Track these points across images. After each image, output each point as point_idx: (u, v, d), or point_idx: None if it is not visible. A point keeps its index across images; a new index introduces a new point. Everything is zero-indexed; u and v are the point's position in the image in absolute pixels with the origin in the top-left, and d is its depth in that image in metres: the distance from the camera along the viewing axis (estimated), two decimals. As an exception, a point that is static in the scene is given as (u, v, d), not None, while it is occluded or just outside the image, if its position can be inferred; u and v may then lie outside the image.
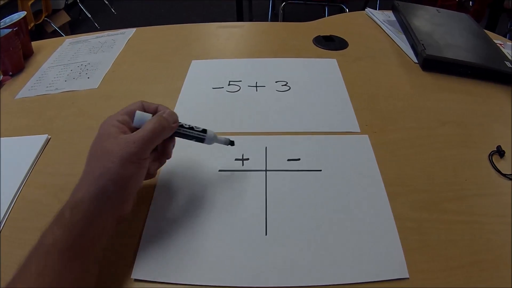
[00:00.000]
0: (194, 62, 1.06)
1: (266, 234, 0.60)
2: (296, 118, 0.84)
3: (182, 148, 0.72)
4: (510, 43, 1.16)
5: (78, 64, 1.12)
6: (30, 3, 3.34)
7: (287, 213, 0.63)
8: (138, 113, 0.59)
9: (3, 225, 0.65)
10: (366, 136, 0.78)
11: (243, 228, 0.61)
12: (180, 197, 0.67)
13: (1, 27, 1.08)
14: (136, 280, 0.55)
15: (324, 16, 1.48)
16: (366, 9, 1.39)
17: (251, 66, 1.05)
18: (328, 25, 1.30)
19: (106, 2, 4.99)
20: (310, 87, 0.94)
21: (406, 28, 1.16)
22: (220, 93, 0.93)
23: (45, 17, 3.75)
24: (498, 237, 0.60)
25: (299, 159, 0.73)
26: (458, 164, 0.73)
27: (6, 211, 0.66)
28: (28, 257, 0.48)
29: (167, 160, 0.66)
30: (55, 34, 3.85)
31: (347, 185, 0.68)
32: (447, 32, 1.13)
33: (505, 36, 1.33)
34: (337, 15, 1.43)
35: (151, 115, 0.60)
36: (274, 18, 4.25)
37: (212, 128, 0.71)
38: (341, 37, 1.19)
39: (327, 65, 1.04)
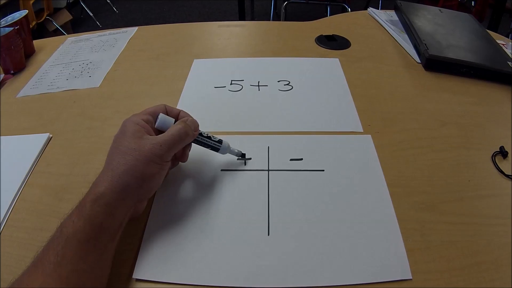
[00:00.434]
0: (196, 61, 1.06)
1: (268, 234, 0.60)
2: (298, 118, 0.84)
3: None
4: (512, 43, 1.16)
5: (80, 63, 1.11)
6: (31, 1, 3.34)
7: (290, 213, 0.63)
8: (162, 116, 0.62)
9: (4, 225, 0.64)
10: (369, 136, 0.78)
11: (245, 228, 0.61)
12: (182, 196, 0.67)
13: (3, 25, 1.07)
14: (137, 280, 0.55)
15: (326, 16, 1.48)
16: (368, 9, 1.39)
17: (253, 65, 1.04)
18: (330, 24, 1.30)
19: (108, 1, 5.01)
20: (312, 87, 0.94)
21: (409, 28, 1.16)
22: (222, 92, 0.93)
23: (47, 15, 3.75)
24: (500, 238, 0.60)
25: (301, 159, 0.73)
26: (459, 165, 0.73)
27: (7, 211, 0.66)
28: (46, 247, 0.49)
29: None
30: (56, 32, 3.85)
31: (350, 185, 0.68)
32: (450, 32, 1.13)
33: (507, 37, 1.33)
34: (339, 14, 1.43)
35: (173, 119, 0.63)
36: (276, 18, 4.25)
37: (214, 127, 0.72)
38: (344, 36, 1.19)
39: (330, 65, 1.03)
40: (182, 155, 0.66)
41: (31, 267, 0.48)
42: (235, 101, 0.89)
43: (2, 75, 1.06)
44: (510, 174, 0.70)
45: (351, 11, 3.22)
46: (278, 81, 0.96)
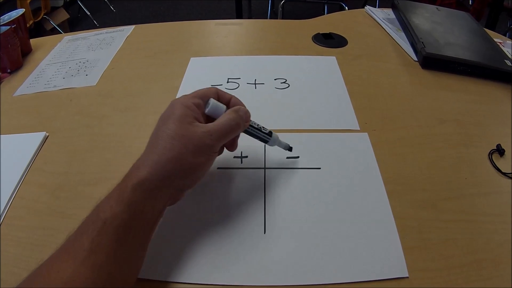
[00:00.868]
0: (192, 59, 1.06)
1: (264, 233, 0.60)
2: (295, 116, 0.84)
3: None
4: (510, 42, 1.16)
5: (77, 62, 1.11)
6: (29, 0, 3.34)
7: (286, 211, 0.63)
8: (214, 102, 0.59)
9: (1, 223, 0.64)
10: (366, 134, 0.78)
11: (242, 226, 0.61)
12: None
13: (0, 24, 1.07)
14: (138, 278, 0.55)
15: (324, 14, 1.47)
16: (365, 7, 1.39)
17: (250, 63, 1.04)
18: (328, 22, 1.29)
19: (106, 0, 5.00)
20: (309, 85, 0.94)
21: (406, 26, 1.16)
22: (219, 90, 0.92)
23: (44, 14, 3.75)
24: (497, 236, 0.60)
25: (298, 157, 0.73)
26: (457, 162, 0.73)
27: (4, 209, 0.66)
28: (79, 231, 0.47)
29: None
30: (54, 32, 3.85)
31: (347, 183, 0.68)
32: (447, 30, 1.13)
33: (505, 35, 1.33)
34: (336, 12, 1.43)
35: (225, 106, 0.60)
36: (273, 17, 4.25)
37: None
38: (341, 34, 1.19)
39: (327, 63, 1.03)
40: (231, 144, 0.63)
41: (61, 252, 0.46)
42: (232, 99, 0.89)
43: (-1, 74, 1.06)
44: (508, 172, 0.70)
45: (348, 9, 3.22)
46: (275, 79, 0.96)
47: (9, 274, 0.52)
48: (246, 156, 0.73)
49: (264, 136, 0.66)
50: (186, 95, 0.59)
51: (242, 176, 0.69)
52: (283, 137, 0.74)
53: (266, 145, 0.70)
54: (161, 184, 0.50)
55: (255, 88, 0.93)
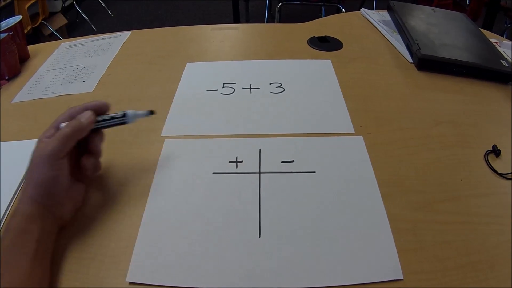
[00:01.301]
0: (188, 64, 1.07)
1: (259, 237, 0.60)
2: (290, 120, 0.84)
3: (176, 151, 0.73)
4: (506, 42, 1.16)
5: (74, 68, 1.12)
6: (27, 6, 3.34)
7: (281, 215, 0.63)
8: (62, 126, 0.61)
9: (2, 227, 0.64)
10: (361, 137, 0.78)
11: (237, 231, 0.61)
12: (174, 199, 0.67)
13: (-3, 31, 1.08)
14: (131, 283, 0.55)
15: (321, 17, 1.48)
16: (361, 10, 1.40)
17: (245, 68, 1.05)
18: (323, 26, 1.30)
19: (103, 4, 5.01)
20: (304, 89, 0.94)
21: (401, 28, 1.16)
22: (215, 95, 0.93)
23: (42, 20, 3.75)
24: (493, 237, 0.60)
25: (293, 161, 0.73)
26: (453, 164, 0.73)
27: (3, 216, 0.66)
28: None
29: (162, 163, 0.72)
30: (52, 37, 3.85)
31: (341, 186, 0.68)
32: (443, 31, 1.13)
33: (502, 35, 1.34)
34: (331, 15, 1.43)
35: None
36: (271, 19, 4.26)
37: (206, 130, 0.72)
38: (336, 37, 1.19)
39: (322, 66, 1.04)
40: (92, 146, 0.65)
41: None
42: (227, 104, 0.90)
43: (-3, 81, 1.07)
44: (503, 173, 0.71)
45: (345, 11, 3.22)
46: (270, 84, 0.96)
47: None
48: (241, 161, 0.73)
49: (120, 120, 0.67)
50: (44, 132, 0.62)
51: (237, 181, 0.70)
52: (278, 142, 0.74)
53: (260, 149, 0.70)
54: (26, 209, 0.56)
55: (251, 92, 0.93)
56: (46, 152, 0.56)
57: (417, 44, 1.03)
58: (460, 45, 1.06)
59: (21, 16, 1.16)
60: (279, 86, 0.95)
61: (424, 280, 0.55)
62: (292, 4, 3.58)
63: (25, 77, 1.10)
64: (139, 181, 0.71)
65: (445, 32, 1.13)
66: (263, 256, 0.58)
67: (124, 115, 0.67)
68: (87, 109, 0.64)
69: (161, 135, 0.81)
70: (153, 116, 0.67)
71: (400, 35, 1.18)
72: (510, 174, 0.70)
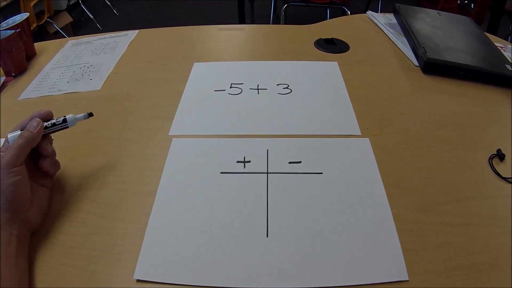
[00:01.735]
0: (196, 64, 1.07)
1: (267, 236, 0.61)
2: (297, 121, 0.84)
3: (183, 150, 0.74)
4: (511, 46, 1.17)
5: (81, 66, 1.12)
6: (32, 4, 3.35)
7: (288, 215, 0.64)
8: (9, 137, 0.64)
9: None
10: (367, 139, 0.79)
11: (245, 230, 0.62)
12: (182, 198, 0.67)
13: (4, 28, 1.08)
14: (138, 280, 0.56)
15: (326, 18, 1.49)
16: (367, 12, 1.40)
17: (252, 68, 1.05)
18: (329, 28, 1.30)
19: (108, 3, 5.01)
20: (311, 90, 0.95)
21: (407, 31, 1.16)
22: (222, 95, 0.93)
23: (48, 18, 3.76)
24: (496, 239, 0.61)
25: (300, 162, 0.73)
26: (457, 167, 0.73)
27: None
28: None
29: (170, 161, 0.74)
30: (57, 35, 3.86)
31: (348, 188, 0.68)
32: (448, 35, 1.13)
33: (506, 39, 1.34)
34: (338, 18, 1.43)
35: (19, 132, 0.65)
36: (276, 20, 4.26)
37: (213, 130, 0.73)
38: (342, 40, 1.20)
39: (328, 68, 1.04)
40: (41, 149, 0.67)
41: None
42: (235, 104, 0.90)
43: (4, 78, 1.07)
44: (507, 177, 0.71)
45: (350, 13, 3.23)
46: (277, 85, 0.96)
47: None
48: (249, 161, 0.74)
49: (61, 126, 0.70)
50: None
51: (245, 181, 0.70)
52: (285, 143, 0.75)
53: (268, 150, 0.71)
54: None
55: (258, 93, 0.94)
56: (3, 164, 0.59)
57: (423, 47, 1.03)
58: (465, 49, 1.06)
59: (28, 14, 1.16)
60: (287, 87, 0.95)
61: (428, 281, 0.55)
62: (298, 6, 3.58)
63: (31, 74, 1.10)
64: (147, 179, 0.72)
65: (451, 35, 1.13)
66: (270, 256, 0.58)
67: (64, 121, 0.70)
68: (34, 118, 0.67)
69: (169, 134, 0.82)
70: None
71: (406, 38, 1.18)
72: (513, 178, 0.71)
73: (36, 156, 0.67)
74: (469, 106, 0.90)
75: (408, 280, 0.55)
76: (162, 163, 0.74)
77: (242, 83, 0.98)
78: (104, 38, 1.30)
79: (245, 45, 1.22)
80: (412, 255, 0.58)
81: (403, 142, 0.79)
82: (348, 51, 1.14)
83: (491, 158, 0.75)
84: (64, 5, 4.27)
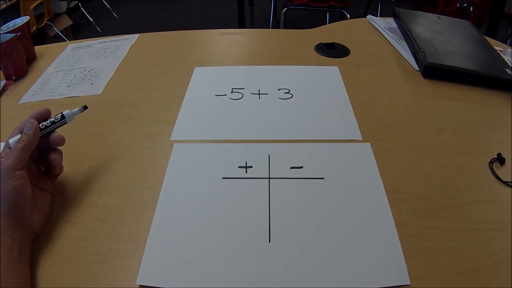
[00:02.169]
0: (197, 69, 1.07)
1: (269, 241, 0.61)
2: (298, 126, 0.84)
3: (185, 155, 0.74)
4: (510, 50, 1.17)
5: (81, 70, 1.12)
6: (32, 6, 3.36)
7: (290, 220, 0.64)
8: (10, 142, 0.63)
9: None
10: (368, 144, 0.79)
11: (247, 235, 0.62)
12: (184, 204, 0.67)
13: (4, 31, 1.08)
14: (141, 286, 0.56)
15: (325, 22, 1.49)
16: (367, 16, 1.40)
17: (253, 73, 1.05)
18: (330, 32, 1.30)
19: (108, 6, 5.01)
20: (312, 95, 0.95)
21: (407, 35, 1.17)
22: (223, 100, 0.93)
23: (47, 20, 3.76)
24: (497, 244, 0.61)
25: (302, 167, 0.74)
26: (458, 171, 0.74)
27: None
28: None
29: (172, 167, 0.74)
30: (57, 37, 3.86)
31: (350, 193, 0.69)
32: (448, 39, 1.14)
33: (505, 42, 1.35)
34: (338, 22, 1.43)
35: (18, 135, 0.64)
36: (276, 24, 4.26)
37: (215, 135, 0.75)
38: (343, 44, 1.20)
39: (329, 73, 1.04)
40: (48, 144, 0.68)
41: None
42: (236, 109, 0.90)
43: (4, 81, 1.07)
44: (508, 181, 0.71)
45: (350, 17, 3.23)
46: (279, 89, 0.97)
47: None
48: (251, 166, 0.74)
49: (60, 123, 0.70)
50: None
51: (247, 186, 0.70)
52: (287, 148, 0.75)
53: (269, 155, 0.71)
54: None
55: (259, 98, 0.94)
56: (4, 168, 0.59)
57: (423, 52, 1.04)
58: (465, 53, 1.07)
59: (29, 17, 1.16)
60: (288, 92, 0.95)
61: (429, 286, 0.55)
62: (297, 9, 3.58)
63: (32, 78, 1.10)
64: (149, 184, 0.72)
65: (451, 39, 1.13)
66: (273, 261, 0.58)
67: (62, 117, 0.70)
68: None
69: (171, 139, 0.82)
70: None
71: (406, 43, 1.18)
72: (514, 182, 0.71)
73: (40, 158, 0.68)
74: (469, 111, 0.90)
75: (409, 285, 0.55)
76: (164, 168, 0.74)
77: (243, 88, 0.98)
78: (105, 42, 1.30)
79: (245, 49, 1.22)
80: (413, 259, 0.58)
81: (404, 147, 0.79)
82: (349, 56, 1.14)
83: (491, 162, 0.75)
84: (64, 7, 4.27)
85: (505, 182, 0.71)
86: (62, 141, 0.68)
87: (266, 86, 0.98)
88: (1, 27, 1.11)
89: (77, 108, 0.73)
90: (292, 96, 0.94)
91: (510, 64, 1.03)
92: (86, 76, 1.08)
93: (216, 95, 0.95)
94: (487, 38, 1.18)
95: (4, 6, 3.23)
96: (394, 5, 1.37)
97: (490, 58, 1.07)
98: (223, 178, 0.72)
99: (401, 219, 0.64)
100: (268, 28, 4.14)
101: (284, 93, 0.95)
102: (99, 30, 4.58)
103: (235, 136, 0.82)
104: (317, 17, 4.28)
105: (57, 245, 0.62)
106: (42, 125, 0.67)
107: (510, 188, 0.70)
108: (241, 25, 3.69)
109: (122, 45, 1.25)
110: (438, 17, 1.28)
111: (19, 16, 1.16)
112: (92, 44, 1.29)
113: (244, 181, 0.71)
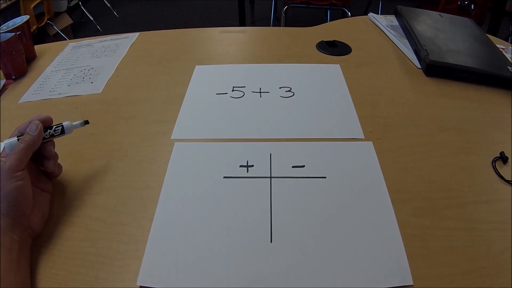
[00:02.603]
0: (197, 67, 1.07)
1: (271, 241, 0.60)
2: (300, 125, 0.84)
3: (186, 154, 0.74)
4: (512, 48, 1.17)
5: (81, 69, 1.12)
6: (32, 5, 3.35)
7: (292, 220, 0.64)
8: (5, 143, 0.63)
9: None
10: (370, 142, 0.78)
11: (248, 235, 0.61)
12: (185, 203, 0.67)
13: (4, 31, 1.08)
14: (141, 287, 0.55)
15: (327, 20, 1.48)
16: (369, 14, 1.40)
17: (254, 71, 1.05)
18: (331, 30, 1.30)
19: (108, 5, 5.01)
20: (314, 93, 0.94)
21: (409, 33, 1.16)
22: (224, 99, 0.93)
23: (48, 19, 3.76)
24: (500, 243, 0.60)
25: (303, 166, 0.73)
26: (461, 170, 0.73)
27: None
28: None
29: (173, 166, 0.74)
30: (57, 36, 3.85)
31: (352, 192, 0.68)
32: (450, 37, 1.13)
33: (507, 40, 1.34)
34: (340, 20, 1.43)
35: (13, 139, 0.64)
36: (276, 22, 4.26)
37: (216, 134, 0.74)
38: (344, 42, 1.19)
39: (331, 71, 1.04)
40: (46, 152, 0.68)
41: None
42: (237, 108, 0.90)
43: (4, 81, 1.07)
44: (510, 179, 0.71)
45: (351, 15, 3.23)
46: (280, 88, 0.96)
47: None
48: (252, 165, 0.73)
49: (59, 135, 0.69)
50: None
51: (248, 185, 0.70)
52: (289, 147, 0.75)
53: (271, 154, 0.71)
54: None
55: (260, 96, 0.93)
56: (5, 168, 0.58)
57: (425, 49, 1.03)
58: (467, 51, 1.06)
59: (28, 16, 1.16)
60: (289, 90, 0.95)
61: (432, 286, 0.55)
62: (298, 7, 3.58)
63: (32, 77, 1.10)
64: (149, 184, 0.72)
65: (452, 37, 1.13)
66: (274, 260, 0.58)
67: (62, 130, 0.70)
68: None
69: (171, 139, 0.81)
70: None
71: (408, 40, 1.18)
72: (517, 181, 0.71)
73: (38, 160, 0.68)
74: (471, 109, 0.90)
75: (412, 285, 0.55)
76: (164, 168, 0.74)
77: (244, 86, 0.97)
78: (105, 40, 1.29)
79: (246, 47, 1.22)
80: (416, 259, 0.58)
81: (406, 146, 0.78)
82: (350, 54, 1.14)
83: (494, 161, 0.74)
84: (64, 6, 4.27)
85: (508, 181, 0.71)
86: (54, 156, 0.69)
87: (267, 85, 0.98)
88: (1, 26, 1.11)
89: (78, 122, 0.72)
90: (294, 94, 0.94)
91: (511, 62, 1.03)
92: (86, 75, 1.08)
93: (217, 94, 0.95)
94: (488, 36, 1.18)
95: (4, 5, 3.22)
96: (396, 3, 1.36)
97: (492, 56, 1.06)
98: (224, 177, 0.71)
99: (403, 218, 0.64)
100: (269, 26, 4.14)
101: (286, 91, 0.95)
102: (99, 29, 4.58)
103: (236, 135, 0.81)
104: (318, 15, 4.28)
105: (57, 246, 0.62)
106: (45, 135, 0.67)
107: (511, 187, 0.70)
108: (242, 23, 3.69)
109: (122, 43, 1.25)
110: (440, 15, 1.28)
111: (19, 15, 1.16)
112: (92, 42, 1.29)
113: (246, 180, 0.71)
